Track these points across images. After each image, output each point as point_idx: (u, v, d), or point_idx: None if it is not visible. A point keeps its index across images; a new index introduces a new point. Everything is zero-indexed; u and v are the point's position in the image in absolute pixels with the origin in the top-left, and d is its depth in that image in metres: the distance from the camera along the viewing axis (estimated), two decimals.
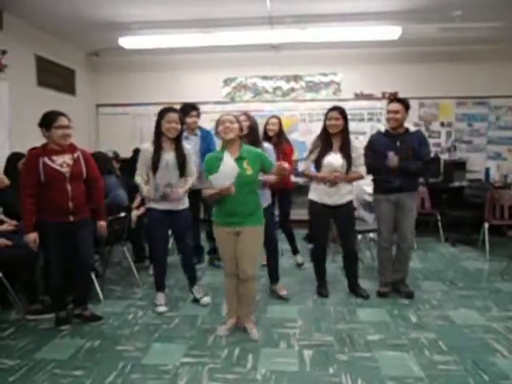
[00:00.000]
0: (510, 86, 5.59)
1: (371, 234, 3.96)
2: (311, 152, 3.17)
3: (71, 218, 2.68)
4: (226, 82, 6.09)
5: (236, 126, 2.52)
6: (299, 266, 4.07)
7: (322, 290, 3.32)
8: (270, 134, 3.74)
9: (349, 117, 3.11)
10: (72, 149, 2.72)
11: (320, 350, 2.46)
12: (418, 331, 2.69)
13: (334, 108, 3.09)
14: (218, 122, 2.55)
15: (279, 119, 3.86)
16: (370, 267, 3.97)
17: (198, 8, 4.28)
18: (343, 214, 3.15)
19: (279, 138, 3.78)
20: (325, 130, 3.12)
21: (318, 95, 6.00)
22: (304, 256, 4.17)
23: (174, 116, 2.89)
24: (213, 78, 6.00)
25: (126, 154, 4.95)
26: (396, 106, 3.13)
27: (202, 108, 3.88)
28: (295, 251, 4.14)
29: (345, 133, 3.08)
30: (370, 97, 5.91)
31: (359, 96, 5.92)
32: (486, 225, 4.34)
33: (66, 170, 2.63)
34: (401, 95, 5.76)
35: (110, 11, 4.38)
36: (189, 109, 3.79)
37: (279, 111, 5.48)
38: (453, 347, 2.47)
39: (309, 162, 3.18)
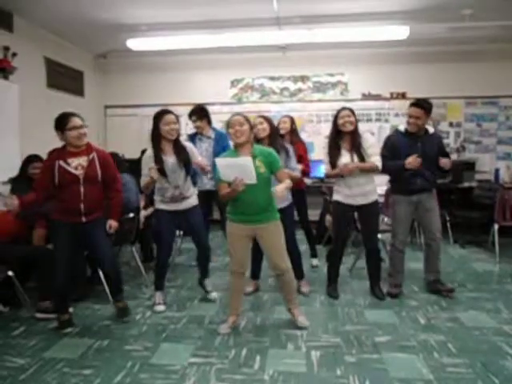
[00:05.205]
0: None
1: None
2: (331, 155, 3.11)
3: (83, 219, 2.68)
4: (233, 83, 6.11)
5: (246, 127, 2.52)
6: (313, 267, 4.04)
7: (333, 292, 3.30)
8: (282, 132, 3.70)
9: (356, 117, 3.09)
10: (88, 150, 2.70)
11: (328, 351, 2.45)
12: (427, 333, 2.67)
13: (344, 108, 3.08)
14: (228, 124, 2.54)
15: (291, 118, 3.84)
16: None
17: (205, 9, 4.30)
18: (367, 214, 3.15)
19: (291, 137, 3.75)
20: (335, 131, 3.09)
21: (325, 96, 5.99)
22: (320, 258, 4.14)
23: (171, 117, 2.86)
24: (220, 79, 6.02)
25: (134, 154, 4.98)
26: (418, 111, 3.06)
27: (210, 109, 3.88)
28: (314, 254, 4.10)
29: (355, 132, 3.05)
30: (377, 97, 5.87)
31: (367, 96, 5.89)
32: (496, 226, 4.28)
33: (80, 172, 2.62)
34: (409, 95, 5.75)
35: (118, 13, 4.42)
36: (203, 112, 3.78)
37: (287, 112, 5.45)
38: (462, 350, 2.44)
39: (329, 165, 3.14)
